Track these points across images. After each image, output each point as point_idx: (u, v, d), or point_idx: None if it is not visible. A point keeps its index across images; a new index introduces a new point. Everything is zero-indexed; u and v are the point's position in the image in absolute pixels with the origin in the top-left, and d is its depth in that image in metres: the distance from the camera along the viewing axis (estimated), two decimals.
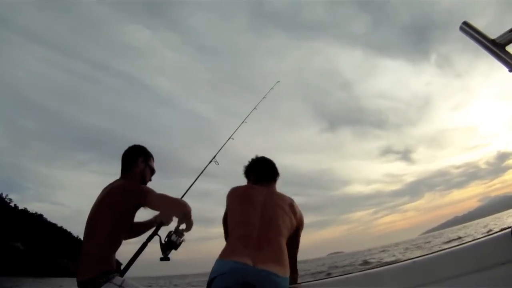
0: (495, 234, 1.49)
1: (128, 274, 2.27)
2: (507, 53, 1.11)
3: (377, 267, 1.82)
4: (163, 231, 2.34)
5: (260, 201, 1.94)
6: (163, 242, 2.27)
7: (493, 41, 1.13)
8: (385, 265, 1.81)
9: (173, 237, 2.25)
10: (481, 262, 1.46)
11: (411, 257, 1.72)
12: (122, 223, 2.16)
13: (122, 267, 2.28)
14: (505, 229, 1.44)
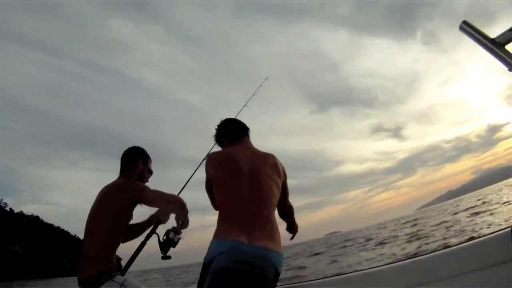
0: (495, 233, 1.48)
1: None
2: (507, 52, 1.10)
3: (376, 267, 1.81)
4: (161, 230, 2.41)
5: (247, 169, 1.86)
6: (161, 240, 2.32)
7: (492, 40, 1.12)
8: (385, 265, 1.81)
9: (171, 235, 2.31)
10: (481, 261, 1.46)
11: (411, 257, 1.72)
12: (121, 221, 2.22)
13: (122, 263, 2.32)
14: (505, 228, 1.44)
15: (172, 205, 2.24)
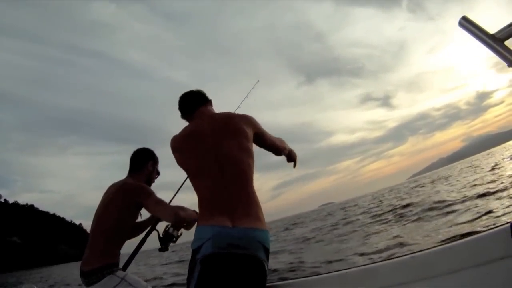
0: (494, 229, 1.47)
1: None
2: (506, 48, 1.07)
3: (375, 262, 1.80)
4: (161, 225, 2.46)
5: (211, 147, 1.76)
6: (161, 236, 2.36)
7: (492, 36, 1.09)
8: (383, 261, 1.80)
9: (171, 230, 2.34)
10: (480, 257, 1.45)
11: (410, 252, 1.72)
12: (126, 221, 2.31)
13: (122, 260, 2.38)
14: (504, 224, 1.43)
15: (170, 218, 2.22)
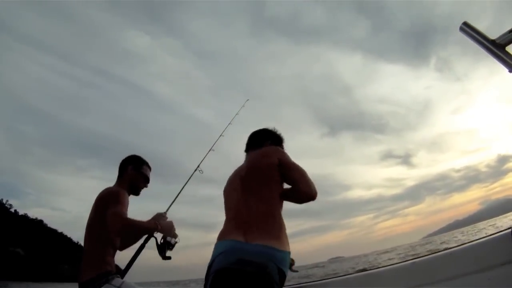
0: (495, 235, 1.48)
1: (130, 278, 2.33)
2: (507, 53, 1.11)
3: (377, 268, 1.81)
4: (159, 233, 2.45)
5: (244, 171, 1.86)
6: (159, 243, 2.40)
7: (493, 42, 1.13)
8: (385, 266, 1.80)
9: (168, 238, 2.40)
10: (481, 263, 1.45)
11: (411, 258, 1.72)
12: None
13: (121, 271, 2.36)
14: (505, 230, 1.44)
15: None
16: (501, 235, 1.44)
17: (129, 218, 2.15)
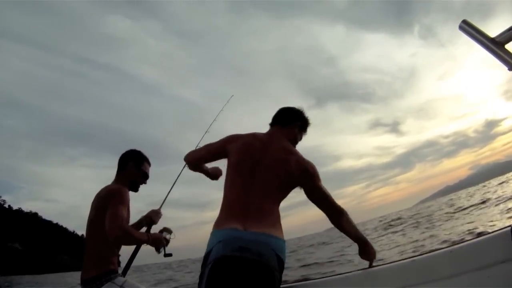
0: (495, 233, 1.48)
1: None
2: (506, 51, 1.10)
3: (376, 266, 1.80)
4: (154, 229, 2.54)
5: (255, 156, 1.78)
6: None
7: (492, 40, 1.12)
8: (384, 264, 1.80)
9: (164, 234, 2.43)
10: (481, 261, 1.45)
11: (410, 256, 1.71)
12: None
13: (121, 265, 2.38)
14: (504, 228, 1.43)
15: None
16: (500, 232, 1.44)
17: (127, 229, 2.11)
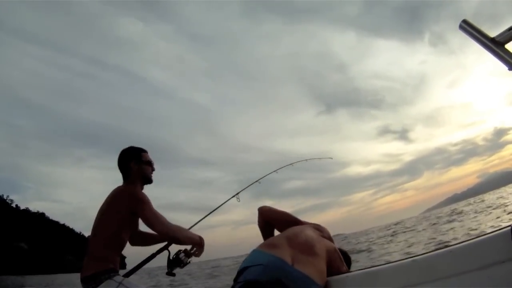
0: (495, 233, 1.47)
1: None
2: (506, 51, 1.11)
3: (376, 266, 1.80)
4: (174, 247, 2.45)
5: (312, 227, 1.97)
6: (170, 258, 2.37)
7: (492, 40, 1.13)
8: (384, 264, 1.79)
9: (181, 256, 2.36)
10: (481, 261, 1.44)
11: (411, 256, 1.71)
12: (125, 227, 2.28)
13: (126, 262, 2.38)
14: (504, 227, 1.42)
15: (165, 236, 2.25)
16: (500, 232, 1.43)
17: (176, 225, 2.23)
